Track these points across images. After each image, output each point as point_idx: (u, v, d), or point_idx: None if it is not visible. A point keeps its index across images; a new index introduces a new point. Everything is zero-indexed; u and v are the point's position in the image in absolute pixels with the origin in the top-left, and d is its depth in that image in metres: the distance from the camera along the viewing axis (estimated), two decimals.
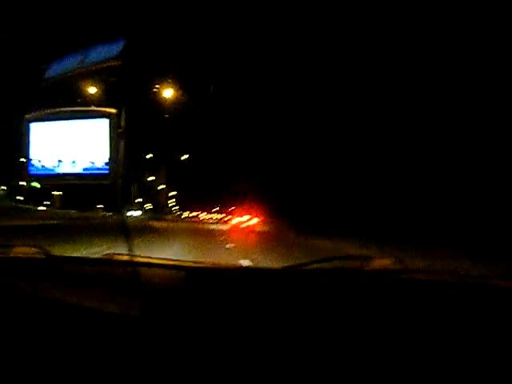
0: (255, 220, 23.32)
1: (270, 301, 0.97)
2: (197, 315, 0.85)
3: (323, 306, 0.93)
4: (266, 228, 22.49)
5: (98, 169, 1.05)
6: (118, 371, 0.70)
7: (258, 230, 21.75)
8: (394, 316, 0.86)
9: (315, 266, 1.16)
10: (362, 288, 1.03)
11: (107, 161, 1.03)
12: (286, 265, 1.23)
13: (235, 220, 24.86)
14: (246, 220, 23.20)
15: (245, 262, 6.73)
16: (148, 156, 40.98)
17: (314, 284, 1.09)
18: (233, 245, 10.58)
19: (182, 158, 47.03)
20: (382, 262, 1.16)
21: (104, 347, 0.74)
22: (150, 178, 47.92)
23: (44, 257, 1.34)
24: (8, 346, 0.77)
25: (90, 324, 0.80)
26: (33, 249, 1.36)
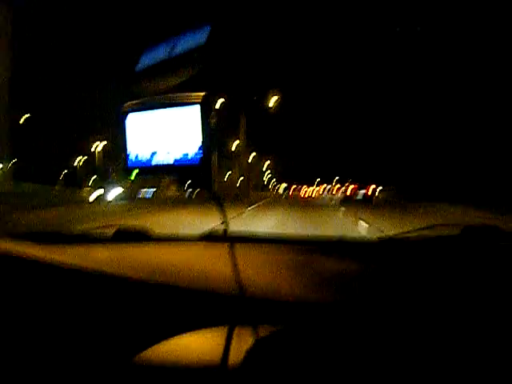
0: (362, 190, 22.30)
1: (364, 271, 0.98)
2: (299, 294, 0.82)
3: (425, 274, 0.94)
4: (376, 196, 21.73)
5: (189, 160, 0.97)
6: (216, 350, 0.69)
7: (367, 198, 21.06)
8: (492, 284, 0.86)
9: (418, 233, 1.18)
10: (461, 256, 1.04)
11: (198, 149, 0.95)
12: (394, 232, 1.24)
13: (343, 189, 24.03)
14: (354, 189, 22.26)
15: (361, 230, 7.02)
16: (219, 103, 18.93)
17: (417, 252, 1.11)
18: (343, 216, 10.53)
19: (272, 103, 28.71)
20: (481, 230, 1.15)
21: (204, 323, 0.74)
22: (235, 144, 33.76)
23: (146, 236, 1.37)
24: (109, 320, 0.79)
25: (190, 305, 0.80)
26: (135, 229, 1.40)
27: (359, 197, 21.51)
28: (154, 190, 25.90)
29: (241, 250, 1.01)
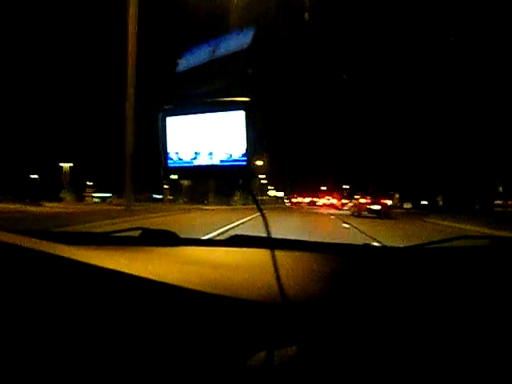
0: (376, 206, 20.97)
1: (394, 278, 0.97)
2: (332, 296, 0.84)
3: (446, 283, 0.92)
4: (389, 210, 20.78)
5: (235, 160, 0.96)
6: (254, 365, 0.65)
7: (381, 213, 20.08)
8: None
9: (438, 245, 1.17)
10: (485, 267, 1.02)
11: (244, 152, 0.94)
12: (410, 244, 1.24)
13: (352, 203, 23.06)
14: (365, 203, 21.07)
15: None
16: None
17: (436, 262, 1.10)
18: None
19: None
20: (504, 243, 1.15)
21: (242, 336, 0.70)
22: None
23: (173, 239, 1.33)
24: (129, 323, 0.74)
25: (223, 313, 0.74)
26: (161, 231, 1.37)
27: (373, 210, 20.32)
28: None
29: (278, 255, 0.97)
